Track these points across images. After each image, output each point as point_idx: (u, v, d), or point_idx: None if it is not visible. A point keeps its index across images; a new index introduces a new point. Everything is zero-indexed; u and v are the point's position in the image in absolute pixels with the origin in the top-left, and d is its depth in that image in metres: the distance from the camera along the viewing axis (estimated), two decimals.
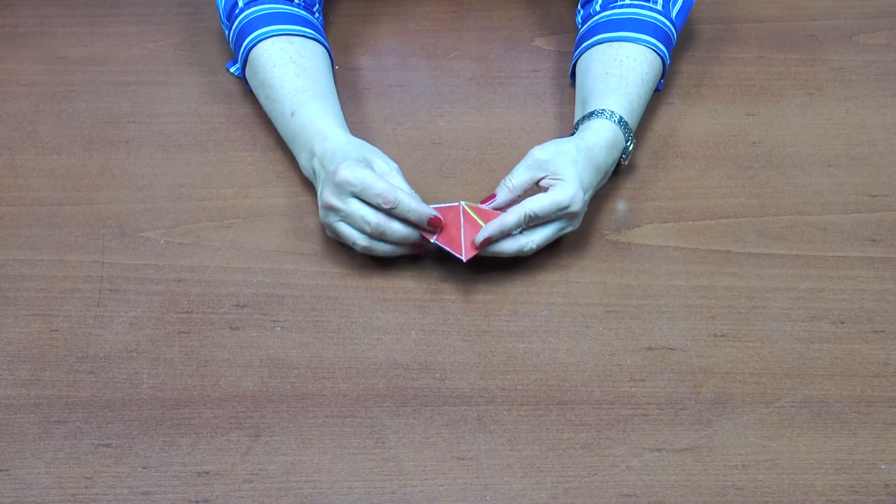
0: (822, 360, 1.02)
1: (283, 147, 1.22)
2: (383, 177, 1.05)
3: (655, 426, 0.97)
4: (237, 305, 1.07)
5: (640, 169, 1.19)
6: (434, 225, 1.04)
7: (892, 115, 1.25)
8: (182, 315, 1.06)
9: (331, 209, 1.05)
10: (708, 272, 1.09)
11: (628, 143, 1.13)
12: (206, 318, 1.05)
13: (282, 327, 1.05)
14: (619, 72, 1.17)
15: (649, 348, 1.03)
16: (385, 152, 1.10)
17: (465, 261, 1.04)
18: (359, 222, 1.04)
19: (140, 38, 1.36)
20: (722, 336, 1.04)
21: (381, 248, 1.06)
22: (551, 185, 1.05)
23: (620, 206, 1.15)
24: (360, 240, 1.05)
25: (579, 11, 1.28)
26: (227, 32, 1.27)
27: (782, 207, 1.15)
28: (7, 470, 0.95)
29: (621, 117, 1.12)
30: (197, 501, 0.93)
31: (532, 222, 1.04)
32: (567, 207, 1.04)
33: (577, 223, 1.08)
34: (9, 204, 1.16)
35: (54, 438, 0.97)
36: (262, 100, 1.21)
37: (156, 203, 1.16)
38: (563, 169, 1.05)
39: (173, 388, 1.00)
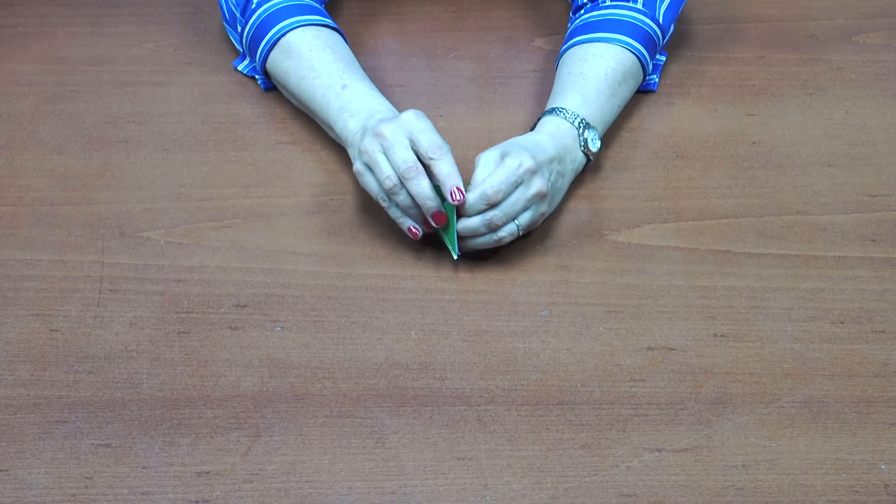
0: (822, 360, 1.02)
1: (283, 147, 1.22)
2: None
3: (655, 426, 0.97)
4: (237, 305, 1.07)
5: (641, 169, 1.19)
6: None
7: (892, 115, 1.25)
8: (182, 315, 1.06)
9: (378, 136, 1.06)
10: (708, 272, 1.09)
11: (581, 130, 1.14)
12: (206, 318, 1.05)
13: (282, 327, 1.05)
14: (580, 70, 1.18)
15: (649, 348, 1.03)
16: None
17: (455, 257, 1.07)
18: (394, 159, 1.05)
19: (140, 38, 1.36)
20: (722, 336, 1.04)
21: (402, 197, 1.06)
22: (500, 164, 1.07)
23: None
24: (388, 180, 1.05)
25: (570, 18, 1.29)
26: (237, 29, 1.27)
27: (782, 207, 1.15)
28: (7, 470, 0.95)
29: (568, 110, 1.14)
30: (197, 501, 0.93)
31: (497, 195, 1.04)
32: (520, 165, 1.05)
33: (539, 183, 1.06)
34: (9, 204, 1.16)
35: (54, 438, 0.97)
36: (291, 81, 1.21)
37: (156, 203, 1.16)
38: (508, 150, 1.07)
39: (173, 388, 1.00)
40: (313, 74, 1.19)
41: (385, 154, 1.06)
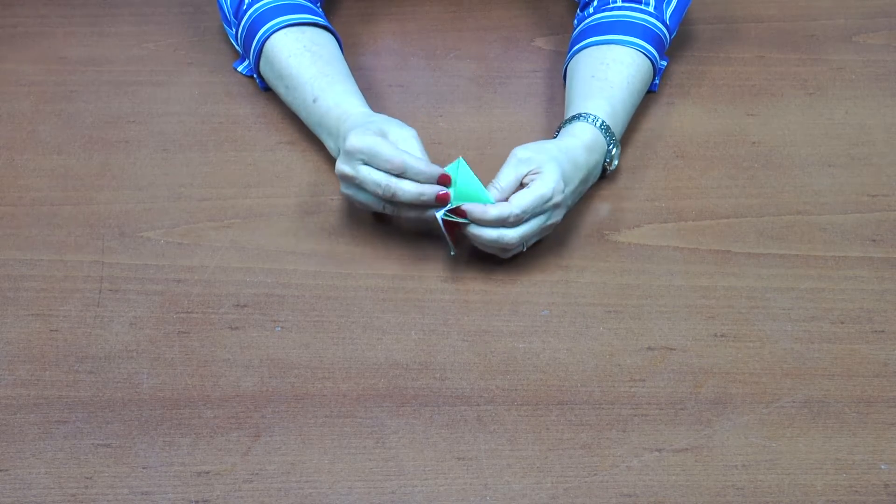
0: (822, 360, 1.02)
1: (283, 147, 1.22)
2: (397, 144, 1.06)
3: (655, 426, 0.97)
4: (237, 305, 1.07)
5: (641, 169, 1.19)
6: (444, 182, 1.04)
7: (892, 115, 1.25)
8: (182, 315, 1.06)
9: (344, 178, 1.07)
10: (708, 272, 1.09)
11: (611, 147, 1.13)
12: (206, 318, 1.05)
13: (282, 327, 1.05)
14: (604, 75, 1.17)
15: (649, 348, 1.03)
16: None
17: (452, 254, 1.07)
18: (371, 187, 1.05)
19: (140, 38, 1.36)
20: (722, 336, 1.04)
21: (405, 211, 1.07)
22: (532, 180, 1.05)
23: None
24: (384, 206, 1.07)
25: (578, 15, 1.29)
26: (232, 31, 1.27)
27: (782, 207, 1.15)
28: (7, 470, 0.95)
29: (602, 121, 1.13)
30: (197, 501, 0.93)
31: (518, 220, 1.04)
32: (550, 199, 1.05)
33: (558, 216, 1.07)
34: (9, 204, 1.16)
35: (54, 438, 0.97)
36: (280, 91, 1.21)
37: (156, 203, 1.16)
38: (544, 163, 1.06)
39: (173, 388, 1.00)
40: (293, 85, 1.18)
41: (362, 189, 1.06)
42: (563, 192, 1.06)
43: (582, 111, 1.14)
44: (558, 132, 1.14)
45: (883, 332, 1.04)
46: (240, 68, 1.30)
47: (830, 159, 1.20)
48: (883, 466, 0.94)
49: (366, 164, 1.05)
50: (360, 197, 1.07)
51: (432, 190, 1.04)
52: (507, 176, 1.06)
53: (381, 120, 1.09)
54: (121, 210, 1.15)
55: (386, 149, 1.04)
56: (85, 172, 1.20)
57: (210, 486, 0.93)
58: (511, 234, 1.04)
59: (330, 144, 1.16)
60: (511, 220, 1.03)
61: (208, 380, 1.01)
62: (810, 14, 1.39)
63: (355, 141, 1.05)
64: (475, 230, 1.04)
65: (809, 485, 0.93)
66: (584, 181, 1.11)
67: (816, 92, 1.28)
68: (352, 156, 1.05)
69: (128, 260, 1.11)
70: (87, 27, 1.38)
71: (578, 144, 1.10)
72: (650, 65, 1.21)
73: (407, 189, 1.04)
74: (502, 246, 1.05)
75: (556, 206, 1.06)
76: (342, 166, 1.07)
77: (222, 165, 1.20)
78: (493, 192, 1.05)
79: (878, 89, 1.28)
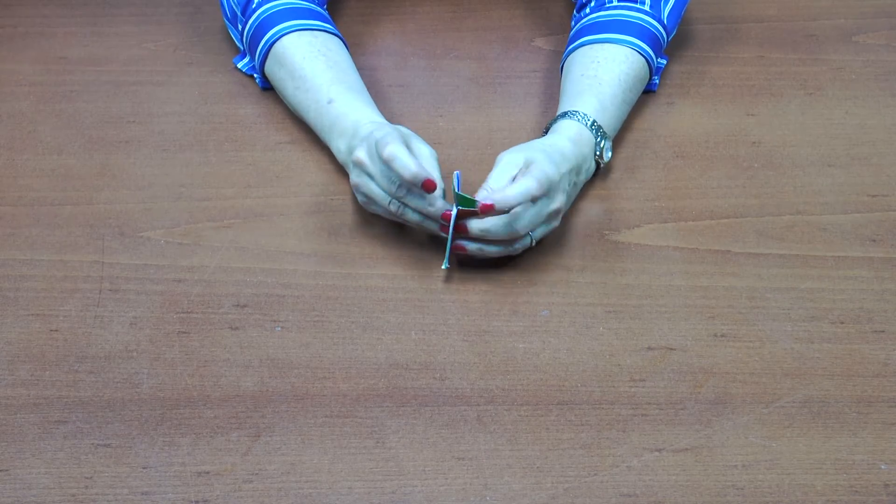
0: (822, 360, 1.02)
1: (284, 147, 1.22)
2: (419, 160, 1.06)
3: (655, 426, 0.97)
4: (237, 305, 1.07)
5: (641, 169, 1.19)
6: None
7: (892, 115, 1.25)
8: (182, 315, 1.06)
9: (359, 164, 1.07)
10: (708, 272, 1.09)
11: (598, 140, 1.13)
12: (206, 318, 1.05)
13: (282, 327, 1.05)
14: (594, 73, 1.18)
15: (649, 348, 1.03)
16: None
17: (444, 267, 1.07)
18: (386, 184, 1.05)
19: (140, 38, 1.36)
20: (722, 336, 1.04)
21: (410, 215, 1.07)
22: (526, 172, 1.05)
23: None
24: (392, 205, 1.07)
25: (575, 16, 1.29)
26: (237, 28, 1.27)
27: (782, 207, 1.15)
28: (7, 470, 0.95)
29: (585, 114, 1.13)
30: (197, 501, 0.93)
31: (526, 197, 1.03)
32: (550, 179, 1.04)
33: (561, 199, 1.07)
34: (9, 204, 1.16)
35: (54, 438, 0.97)
36: (287, 91, 1.21)
37: (156, 203, 1.16)
38: (533, 157, 1.06)
39: (173, 388, 1.00)
40: (305, 87, 1.18)
41: (376, 182, 1.06)
42: (560, 171, 1.06)
43: (569, 109, 1.14)
44: (546, 131, 1.15)
45: (883, 332, 1.04)
46: (240, 65, 1.30)
47: (830, 159, 1.20)
48: (883, 466, 0.94)
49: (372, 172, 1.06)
50: (373, 208, 1.09)
51: (435, 212, 1.05)
52: (497, 178, 1.06)
53: (407, 133, 1.09)
54: (121, 210, 1.15)
55: (409, 165, 1.02)
56: (85, 172, 1.20)
57: (210, 486, 0.93)
58: (520, 222, 1.04)
59: (340, 145, 1.15)
60: (517, 198, 1.03)
61: (208, 380, 1.01)
62: (810, 14, 1.39)
63: (392, 149, 1.03)
64: (485, 223, 1.04)
65: (809, 485, 0.93)
66: (576, 171, 1.11)
67: (816, 92, 1.28)
68: (373, 153, 1.05)
69: (128, 260, 1.11)
70: (87, 27, 1.38)
71: (562, 139, 1.11)
72: (645, 63, 1.21)
73: (411, 218, 1.06)
74: (512, 235, 1.05)
75: (555, 189, 1.05)
76: (361, 154, 1.06)
77: (222, 165, 1.20)
78: (484, 195, 1.05)
79: (878, 89, 1.28)
